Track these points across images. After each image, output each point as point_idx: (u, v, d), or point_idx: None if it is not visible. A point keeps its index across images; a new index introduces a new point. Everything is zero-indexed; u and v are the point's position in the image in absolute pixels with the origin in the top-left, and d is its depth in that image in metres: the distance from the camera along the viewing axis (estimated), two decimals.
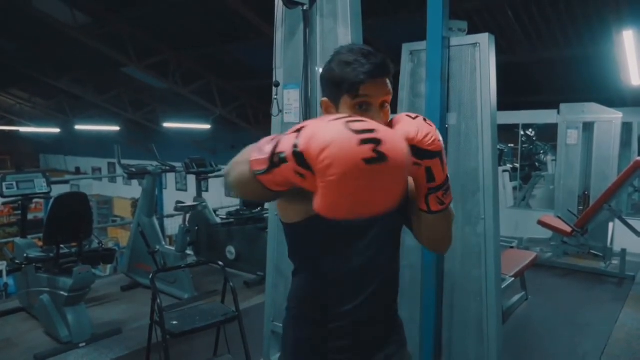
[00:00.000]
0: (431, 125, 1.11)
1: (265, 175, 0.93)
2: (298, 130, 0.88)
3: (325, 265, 1.28)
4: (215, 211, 5.83)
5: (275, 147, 0.90)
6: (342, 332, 1.28)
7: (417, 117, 1.13)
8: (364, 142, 0.83)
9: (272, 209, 3.04)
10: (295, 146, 0.85)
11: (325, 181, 0.83)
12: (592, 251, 5.67)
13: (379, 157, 0.83)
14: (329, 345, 1.29)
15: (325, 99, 1.27)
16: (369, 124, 0.87)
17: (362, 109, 1.19)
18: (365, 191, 0.84)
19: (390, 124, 1.14)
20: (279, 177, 0.91)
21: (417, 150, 1.08)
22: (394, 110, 1.30)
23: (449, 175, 1.17)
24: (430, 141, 1.08)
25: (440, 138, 1.12)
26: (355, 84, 1.17)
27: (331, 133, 0.84)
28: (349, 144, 0.82)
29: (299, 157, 0.84)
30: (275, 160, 0.90)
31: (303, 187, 0.89)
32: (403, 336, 1.44)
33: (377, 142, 0.83)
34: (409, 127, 1.09)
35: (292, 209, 1.25)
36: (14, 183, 4.04)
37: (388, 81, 1.21)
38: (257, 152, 0.95)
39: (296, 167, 0.86)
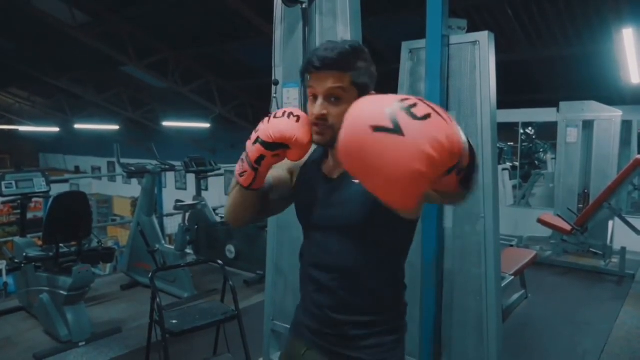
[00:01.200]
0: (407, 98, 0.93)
1: (255, 180, 1.22)
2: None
3: (303, 251, 1.38)
4: (214, 210, 5.82)
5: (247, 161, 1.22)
6: (309, 318, 1.35)
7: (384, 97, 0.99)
8: (288, 115, 1.21)
9: None
10: (259, 141, 1.19)
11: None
12: (591, 249, 5.67)
13: (297, 118, 1.13)
14: (305, 325, 1.36)
15: None
16: (284, 110, 1.17)
17: (314, 99, 1.23)
18: (369, 155, 0.81)
19: None
20: (264, 171, 1.22)
21: None
22: None
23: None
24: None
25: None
26: (305, 75, 1.23)
27: (279, 125, 1.20)
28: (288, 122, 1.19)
29: (270, 145, 1.19)
30: (255, 164, 1.20)
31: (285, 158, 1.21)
32: (383, 356, 1.28)
33: (292, 113, 1.21)
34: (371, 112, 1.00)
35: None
36: (13, 182, 4.03)
37: (339, 74, 1.18)
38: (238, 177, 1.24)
39: (271, 152, 1.19)
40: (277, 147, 1.19)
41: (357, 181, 1.17)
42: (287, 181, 1.41)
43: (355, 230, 1.25)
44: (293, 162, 1.32)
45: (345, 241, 1.26)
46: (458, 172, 0.83)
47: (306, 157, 1.34)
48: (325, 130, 1.20)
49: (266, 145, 1.19)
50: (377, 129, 0.78)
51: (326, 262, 1.28)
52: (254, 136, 1.21)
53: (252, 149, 1.20)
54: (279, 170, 1.38)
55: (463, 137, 0.80)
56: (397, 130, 0.76)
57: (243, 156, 1.23)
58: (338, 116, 1.17)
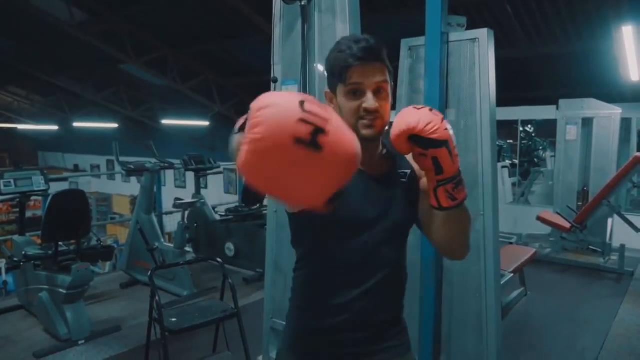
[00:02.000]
0: (437, 115, 1.10)
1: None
2: None
3: (321, 257, 1.27)
4: (214, 208, 5.82)
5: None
6: (336, 326, 1.25)
7: (422, 108, 1.12)
8: (305, 121, 0.83)
9: (270, 206, 3.03)
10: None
11: (249, 138, 0.84)
12: (591, 247, 5.68)
13: (311, 143, 0.82)
14: (322, 337, 1.28)
15: (327, 90, 1.27)
16: (326, 112, 0.87)
17: (356, 95, 1.19)
18: (284, 171, 0.84)
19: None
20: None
21: (420, 139, 1.08)
22: (393, 106, 1.29)
23: (461, 171, 1.14)
24: (432, 129, 1.07)
25: (448, 128, 1.09)
26: (344, 69, 1.18)
27: (279, 99, 0.87)
28: (286, 115, 0.83)
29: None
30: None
31: None
32: (406, 340, 1.38)
33: (320, 130, 0.83)
34: (410, 117, 1.09)
35: None
36: (12, 180, 4.02)
37: (382, 66, 1.19)
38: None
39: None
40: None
41: (404, 180, 1.26)
42: None
43: (400, 229, 1.29)
44: None
45: (392, 238, 1.27)
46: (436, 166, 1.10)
47: None
48: (377, 122, 1.19)
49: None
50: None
51: (374, 262, 1.25)
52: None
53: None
54: None
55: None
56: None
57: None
58: (385, 108, 1.20)
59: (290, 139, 0.81)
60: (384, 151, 1.29)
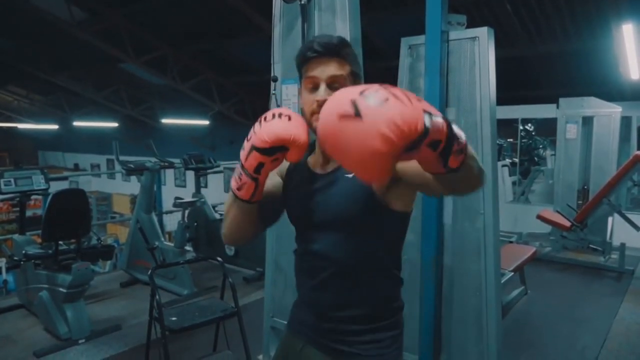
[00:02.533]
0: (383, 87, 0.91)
1: (256, 191, 1.19)
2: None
3: (296, 247, 1.38)
4: (214, 207, 5.82)
5: (244, 172, 1.17)
6: (307, 314, 1.34)
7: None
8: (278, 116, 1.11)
9: None
10: (254, 149, 1.12)
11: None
12: (591, 245, 5.68)
13: (288, 117, 1.09)
14: (302, 322, 1.37)
15: (299, 86, 1.32)
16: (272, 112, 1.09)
17: (313, 89, 1.22)
18: (339, 140, 0.88)
19: None
20: (263, 178, 1.18)
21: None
22: None
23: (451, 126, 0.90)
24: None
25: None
26: (303, 62, 1.23)
27: (272, 127, 1.13)
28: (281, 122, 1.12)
29: (267, 150, 1.12)
30: (254, 174, 1.15)
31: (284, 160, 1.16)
32: (379, 351, 1.27)
33: (281, 114, 1.12)
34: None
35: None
36: (12, 180, 4.02)
37: (340, 61, 1.21)
38: (236, 192, 1.22)
39: (270, 157, 1.13)
40: (275, 151, 1.13)
41: (350, 175, 1.21)
42: (281, 185, 1.40)
43: (350, 225, 1.24)
44: (282, 166, 1.29)
45: (341, 236, 1.25)
46: (432, 146, 0.86)
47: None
48: None
49: (263, 151, 1.12)
50: (342, 116, 0.86)
51: (323, 258, 1.27)
52: (247, 145, 1.14)
53: (248, 159, 1.14)
54: (271, 176, 1.31)
55: (424, 117, 0.84)
56: (357, 115, 0.84)
57: (236, 172, 1.19)
58: None
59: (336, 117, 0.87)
60: None
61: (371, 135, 0.83)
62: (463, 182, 1.03)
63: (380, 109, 0.83)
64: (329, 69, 1.20)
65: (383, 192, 1.20)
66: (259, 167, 1.14)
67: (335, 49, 1.20)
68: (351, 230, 1.25)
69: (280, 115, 1.14)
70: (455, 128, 0.91)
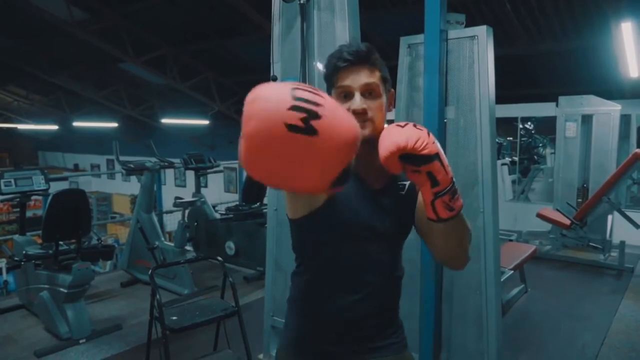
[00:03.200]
0: (421, 130, 1.08)
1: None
2: None
3: (321, 262, 1.30)
4: (214, 207, 5.82)
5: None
6: (333, 328, 1.30)
7: (406, 124, 1.10)
8: (296, 108, 0.84)
9: (271, 205, 3.03)
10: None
11: (244, 132, 0.85)
12: (591, 243, 5.68)
13: (306, 129, 0.83)
14: (320, 338, 1.32)
15: None
16: (318, 97, 0.89)
17: (346, 98, 1.21)
18: (284, 160, 0.85)
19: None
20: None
21: (412, 157, 1.07)
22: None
23: (453, 177, 1.13)
24: (422, 146, 1.06)
25: (434, 140, 1.09)
26: (334, 73, 1.22)
27: (270, 90, 0.88)
28: (277, 105, 0.84)
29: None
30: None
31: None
32: (402, 338, 1.41)
33: (313, 114, 0.85)
34: (398, 137, 1.07)
35: (299, 203, 1.26)
36: (12, 180, 4.02)
37: (371, 68, 1.21)
38: None
39: None
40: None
41: (401, 192, 1.28)
42: None
43: (394, 239, 1.32)
44: None
45: (387, 248, 1.31)
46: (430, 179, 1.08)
47: None
48: (366, 124, 1.20)
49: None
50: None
51: (368, 270, 1.29)
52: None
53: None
54: None
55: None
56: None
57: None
58: (376, 109, 1.21)
59: (283, 127, 0.82)
60: None
61: (328, 154, 0.87)
62: (451, 244, 1.27)
63: (341, 123, 0.89)
64: (361, 78, 1.20)
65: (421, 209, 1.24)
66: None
67: (365, 57, 1.21)
68: (394, 242, 1.33)
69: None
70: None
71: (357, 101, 1.19)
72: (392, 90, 1.29)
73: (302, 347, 1.35)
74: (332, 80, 1.24)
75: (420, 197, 1.25)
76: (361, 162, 1.21)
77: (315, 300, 1.32)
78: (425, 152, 1.06)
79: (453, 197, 1.13)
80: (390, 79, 1.28)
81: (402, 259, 1.38)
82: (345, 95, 1.21)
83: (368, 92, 1.21)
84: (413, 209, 1.30)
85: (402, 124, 1.11)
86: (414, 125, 1.09)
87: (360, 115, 1.18)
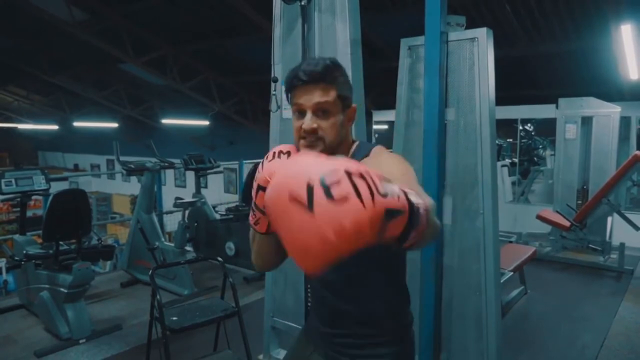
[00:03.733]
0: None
1: (260, 220, 1.23)
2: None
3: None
4: (214, 207, 5.83)
5: (255, 206, 1.23)
6: (322, 320, 1.39)
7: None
8: (279, 155, 1.13)
9: None
10: (259, 188, 1.18)
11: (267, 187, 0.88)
12: (590, 245, 5.68)
13: (288, 154, 1.11)
14: (314, 325, 1.42)
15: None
16: (273, 151, 1.12)
17: (300, 115, 1.24)
18: (284, 218, 0.80)
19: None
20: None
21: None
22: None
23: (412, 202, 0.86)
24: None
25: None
26: (289, 90, 1.25)
27: (272, 167, 1.17)
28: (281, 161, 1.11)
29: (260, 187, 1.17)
30: (262, 209, 1.19)
31: None
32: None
33: (281, 152, 1.20)
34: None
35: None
36: (13, 180, 4.03)
37: (325, 87, 1.21)
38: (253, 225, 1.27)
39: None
40: None
41: None
42: None
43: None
44: None
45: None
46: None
47: None
48: (316, 143, 1.23)
49: (265, 189, 1.13)
50: (294, 199, 0.77)
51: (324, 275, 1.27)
52: (255, 184, 1.21)
53: (257, 197, 1.21)
54: None
55: (382, 219, 0.77)
56: (309, 207, 0.75)
57: (252, 206, 1.25)
58: (328, 128, 1.23)
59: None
60: None
61: (315, 233, 0.75)
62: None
63: (334, 209, 0.74)
64: (314, 97, 1.21)
65: None
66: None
67: (319, 77, 1.21)
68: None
69: (279, 153, 1.21)
70: (421, 212, 0.84)
71: (307, 121, 1.22)
72: (353, 105, 1.30)
73: (306, 334, 1.50)
74: (288, 96, 1.27)
75: None
76: None
77: (310, 292, 1.50)
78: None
79: (417, 227, 0.90)
80: (350, 96, 1.27)
81: (371, 272, 1.29)
82: (300, 113, 1.24)
83: (321, 111, 1.22)
84: None
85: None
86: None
87: (311, 134, 1.22)
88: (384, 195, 0.77)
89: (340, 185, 0.75)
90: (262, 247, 1.31)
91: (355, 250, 0.77)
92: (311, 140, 1.23)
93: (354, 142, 1.34)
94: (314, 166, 0.79)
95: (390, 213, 0.78)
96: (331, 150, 1.23)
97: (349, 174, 0.76)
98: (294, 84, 1.23)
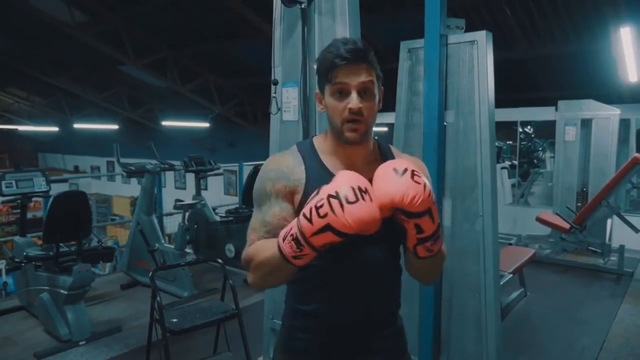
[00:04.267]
0: (419, 183, 1.08)
1: (308, 256, 1.09)
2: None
3: (314, 266, 1.21)
4: (214, 209, 5.83)
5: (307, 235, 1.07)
6: (325, 330, 1.28)
7: (404, 172, 1.09)
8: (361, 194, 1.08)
9: None
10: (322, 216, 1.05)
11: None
12: (590, 247, 5.69)
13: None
14: (313, 340, 1.30)
15: (317, 90, 1.30)
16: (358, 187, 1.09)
17: (341, 95, 1.20)
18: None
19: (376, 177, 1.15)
20: (318, 242, 1.06)
21: (404, 211, 1.09)
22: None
23: (440, 222, 1.17)
24: (417, 203, 1.07)
25: (430, 193, 1.10)
26: (330, 69, 1.20)
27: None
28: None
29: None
30: (312, 241, 1.06)
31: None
32: (400, 344, 1.40)
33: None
34: (394, 191, 1.07)
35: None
36: (14, 182, 4.03)
37: (368, 67, 1.20)
38: (283, 242, 1.10)
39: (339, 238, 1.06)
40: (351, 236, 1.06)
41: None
42: (292, 209, 1.25)
43: (391, 235, 1.23)
44: (291, 181, 1.24)
45: (381, 245, 1.26)
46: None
47: (302, 168, 1.26)
48: (360, 126, 1.21)
49: (343, 235, 1.04)
50: (394, 170, 1.11)
51: (369, 265, 1.26)
52: (319, 222, 1.03)
53: (319, 236, 1.04)
54: (281, 206, 1.24)
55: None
56: (400, 174, 1.09)
57: (292, 239, 1.07)
58: (370, 109, 1.21)
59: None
60: (373, 156, 1.30)
61: (397, 186, 1.08)
62: (424, 271, 1.29)
63: (411, 182, 1.08)
64: (359, 77, 1.19)
65: None
66: (328, 244, 1.07)
67: (363, 55, 1.19)
68: (384, 250, 1.28)
69: (361, 192, 1.05)
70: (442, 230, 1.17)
71: (355, 100, 1.18)
72: (382, 87, 1.28)
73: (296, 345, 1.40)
74: (327, 76, 1.21)
75: None
76: (348, 163, 1.26)
77: (310, 304, 1.35)
78: (418, 209, 1.08)
79: (435, 242, 1.16)
80: (382, 76, 1.27)
81: (399, 255, 1.34)
82: (341, 93, 1.20)
83: (364, 90, 1.20)
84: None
85: (400, 169, 1.10)
86: (412, 176, 1.09)
87: (356, 114, 1.19)
88: (434, 202, 1.13)
89: (419, 178, 1.10)
90: (281, 276, 1.17)
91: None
92: (356, 123, 1.20)
93: None
94: (412, 164, 1.14)
95: (428, 212, 1.11)
96: (369, 132, 1.24)
97: (424, 179, 1.11)
98: (336, 64, 1.18)
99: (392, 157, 1.33)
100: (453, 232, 2.65)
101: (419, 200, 1.06)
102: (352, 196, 1.03)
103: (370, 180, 1.11)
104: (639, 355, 3.49)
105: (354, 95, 1.19)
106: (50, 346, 3.57)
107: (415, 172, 1.09)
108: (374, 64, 1.22)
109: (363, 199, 1.04)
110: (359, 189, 1.05)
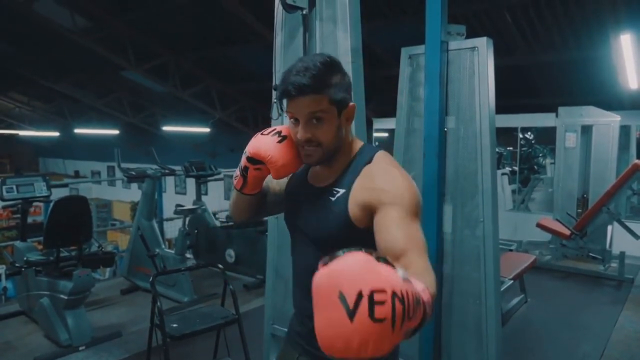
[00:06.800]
0: (381, 320, 0.79)
1: (244, 186, 1.37)
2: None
3: (292, 256, 1.45)
4: (214, 214, 5.84)
5: (240, 167, 1.36)
6: (299, 321, 1.41)
7: (357, 302, 0.79)
8: (274, 134, 1.29)
9: None
10: (245, 153, 1.32)
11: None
12: (590, 254, 5.68)
13: (281, 139, 1.28)
14: (294, 329, 1.44)
15: None
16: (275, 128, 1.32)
17: (295, 122, 1.25)
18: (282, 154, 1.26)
19: None
20: (251, 180, 1.35)
21: None
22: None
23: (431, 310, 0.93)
24: (384, 351, 0.83)
25: (411, 307, 0.83)
26: (282, 97, 1.24)
27: (259, 142, 1.29)
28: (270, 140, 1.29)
29: (251, 159, 1.31)
30: (243, 172, 1.34)
31: (265, 175, 1.34)
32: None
33: (279, 133, 1.29)
34: (342, 342, 0.82)
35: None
36: (14, 186, 4.04)
37: (315, 97, 1.18)
38: (234, 180, 1.40)
39: (253, 166, 1.32)
40: (256, 162, 1.31)
41: (333, 198, 1.25)
42: (282, 185, 1.48)
43: (325, 244, 1.23)
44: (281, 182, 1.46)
45: (317, 252, 1.22)
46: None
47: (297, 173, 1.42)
48: (313, 152, 1.24)
49: (248, 158, 1.32)
50: (341, 297, 0.79)
51: (307, 267, 1.24)
52: (244, 160, 1.34)
53: (242, 158, 1.34)
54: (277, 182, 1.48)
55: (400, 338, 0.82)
56: (350, 314, 0.78)
57: (240, 171, 1.37)
58: (323, 135, 1.22)
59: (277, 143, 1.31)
60: (340, 165, 1.29)
61: (345, 336, 0.79)
62: None
63: (369, 327, 0.77)
64: (305, 108, 1.20)
65: (360, 222, 1.21)
66: (245, 169, 1.34)
67: (308, 89, 1.17)
68: (326, 250, 1.21)
69: (276, 133, 1.30)
70: (428, 311, 0.88)
71: (301, 131, 1.22)
72: (351, 104, 1.26)
73: (290, 339, 1.49)
74: (282, 104, 1.33)
75: (376, 219, 1.16)
76: (315, 169, 1.36)
77: (292, 291, 1.51)
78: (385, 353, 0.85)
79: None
80: (346, 95, 1.24)
81: None
82: (295, 120, 1.24)
83: (315, 118, 1.21)
84: (343, 220, 1.23)
85: (351, 294, 0.79)
86: (369, 309, 0.78)
87: (308, 142, 1.23)
88: (412, 317, 0.82)
89: (383, 307, 0.77)
90: (236, 199, 1.47)
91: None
92: (308, 148, 1.24)
93: (353, 141, 1.32)
94: (369, 274, 0.80)
95: (410, 332, 0.85)
96: (330, 153, 1.25)
97: (394, 296, 0.78)
98: (285, 97, 1.22)
99: (354, 176, 1.25)
100: (453, 238, 2.66)
101: (385, 349, 0.81)
102: (267, 132, 1.32)
103: (320, 190, 1.32)
104: None
105: (300, 126, 1.22)
106: (50, 351, 3.57)
107: (376, 297, 0.78)
108: (326, 91, 1.19)
109: (272, 136, 1.30)
110: (278, 132, 1.30)
